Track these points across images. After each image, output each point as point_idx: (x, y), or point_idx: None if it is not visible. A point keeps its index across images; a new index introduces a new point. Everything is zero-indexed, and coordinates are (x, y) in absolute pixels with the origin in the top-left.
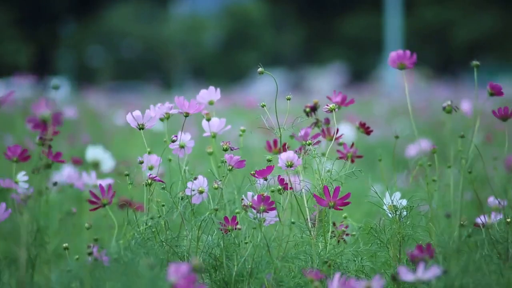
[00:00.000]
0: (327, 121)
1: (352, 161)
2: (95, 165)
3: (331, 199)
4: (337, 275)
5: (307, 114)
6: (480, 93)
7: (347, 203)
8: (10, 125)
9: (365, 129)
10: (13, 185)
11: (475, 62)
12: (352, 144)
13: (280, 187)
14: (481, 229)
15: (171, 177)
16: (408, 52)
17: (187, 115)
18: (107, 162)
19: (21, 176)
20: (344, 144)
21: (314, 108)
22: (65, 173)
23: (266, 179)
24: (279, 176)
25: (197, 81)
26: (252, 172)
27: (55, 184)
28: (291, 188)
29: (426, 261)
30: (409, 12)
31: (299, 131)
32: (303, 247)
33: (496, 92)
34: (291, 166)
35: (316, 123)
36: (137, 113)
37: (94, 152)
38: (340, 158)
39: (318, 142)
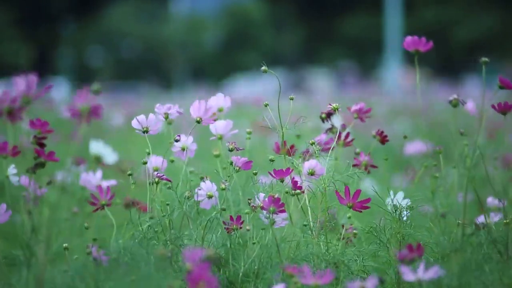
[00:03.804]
0: (344, 126)
1: (367, 169)
2: (97, 159)
3: (350, 200)
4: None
5: (323, 120)
6: (480, 91)
7: (366, 207)
8: (6, 125)
9: (382, 137)
10: (25, 183)
11: (484, 59)
12: (369, 153)
13: (298, 191)
14: (481, 228)
15: (173, 177)
16: (423, 39)
17: (199, 121)
18: (109, 156)
19: (11, 169)
20: (361, 152)
21: (330, 114)
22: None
23: (283, 180)
24: (293, 179)
25: (197, 81)
26: (255, 172)
27: (49, 183)
28: (299, 188)
29: (416, 260)
30: (409, 12)
31: (301, 131)
32: (307, 248)
33: (505, 85)
34: (312, 174)
35: (331, 129)
36: (141, 117)
37: (95, 147)
38: (355, 165)
39: (329, 148)
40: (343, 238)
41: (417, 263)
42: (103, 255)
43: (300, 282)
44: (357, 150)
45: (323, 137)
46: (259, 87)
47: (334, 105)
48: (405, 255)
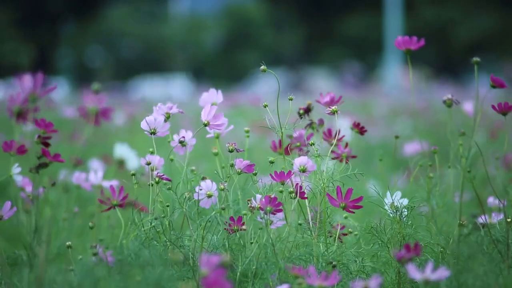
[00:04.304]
0: (321, 122)
1: (347, 161)
2: (121, 163)
3: (342, 200)
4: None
5: (301, 116)
6: (482, 91)
7: (359, 207)
8: (8, 125)
9: (359, 129)
10: (24, 184)
11: (475, 59)
12: (346, 144)
13: (293, 190)
14: (480, 228)
15: (173, 177)
16: (414, 38)
17: (207, 124)
18: (133, 160)
19: (15, 168)
20: (338, 145)
21: (307, 110)
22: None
23: (283, 183)
24: (297, 184)
25: (197, 81)
26: (255, 173)
27: (53, 184)
28: (302, 194)
29: (414, 260)
30: (409, 12)
31: (294, 132)
32: (305, 248)
33: (497, 84)
34: (304, 171)
35: (311, 125)
36: (150, 118)
37: (120, 150)
38: (335, 158)
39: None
40: (331, 236)
41: (423, 263)
42: (110, 256)
43: (304, 283)
44: (334, 141)
45: (302, 132)
46: (264, 87)
47: (333, 108)
48: (403, 254)
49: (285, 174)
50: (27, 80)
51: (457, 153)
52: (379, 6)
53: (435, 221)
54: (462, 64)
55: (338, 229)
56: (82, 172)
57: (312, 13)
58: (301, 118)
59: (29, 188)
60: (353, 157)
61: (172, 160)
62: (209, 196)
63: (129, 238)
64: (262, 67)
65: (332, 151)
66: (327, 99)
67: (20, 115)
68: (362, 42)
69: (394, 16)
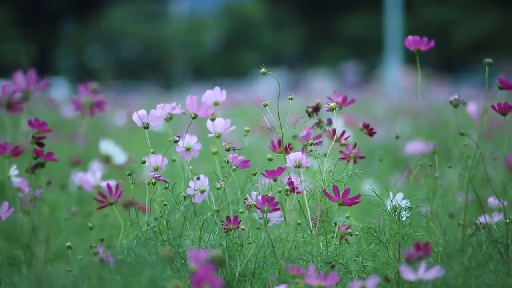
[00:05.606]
0: (330, 121)
1: (355, 162)
2: (107, 159)
3: (339, 197)
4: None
5: (309, 114)
6: (481, 92)
7: (356, 203)
8: (5, 125)
9: (368, 130)
10: (22, 185)
11: (487, 60)
12: (355, 145)
13: (287, 187)
14: (481, 229)
15: (172, 177)
16: (425, 38)
17: (195, 117)
18: (119, 156)
19: (13, 170)
20: (347, 145)
21: (316, 109)
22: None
23: (275, 180)
24: (288, 178)
25: (197, 81)
26: (254, 172)
27: (49, 183)
28: (298, 192)
29: (423, 260)
30: (409, 12)
31: (300, 131)
32: (305, 247)
33: (505, 86)
34: (299, 166)
35: (318, 124)
36: (142, 112)
37: (105, 146)
38: (343, 159)
39: (320, 142)
40: (335, 236)
41: (418, 263)
42: (110, 256)
43: (302, 283)
44: (343, 141)
45: (310, 131)
46: (264, 87)
47: (332, 104)
48: (412, 254)
49: (276, 171)
50: (20, 77)
51: (462, 153)
52: (379, 6)
53: (439, 221)
54: (462, 64)
55: (336, 229)
56: (83, 172)
57: (312, 13)
58: (310, 117)
59: (27, 189)
60: (362, 157)
61: (174, 160)
62: (202, 192)
63: (128, 238)
64: (262, 69)
65: (340, 152)
66: (339, 99)
67: (10, 106)
68: (362, 42)
69: (394, 16)
